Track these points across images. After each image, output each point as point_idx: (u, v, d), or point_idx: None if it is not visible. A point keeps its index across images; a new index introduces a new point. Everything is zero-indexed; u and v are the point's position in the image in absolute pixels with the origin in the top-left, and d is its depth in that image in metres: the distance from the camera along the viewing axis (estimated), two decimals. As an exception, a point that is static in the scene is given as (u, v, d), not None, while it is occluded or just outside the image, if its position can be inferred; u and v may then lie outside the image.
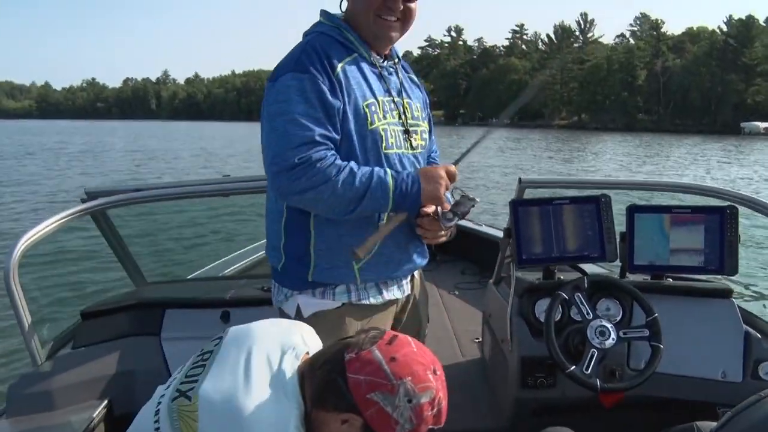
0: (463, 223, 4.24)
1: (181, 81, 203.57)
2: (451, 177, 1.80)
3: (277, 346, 1.33)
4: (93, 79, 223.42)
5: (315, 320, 1.81)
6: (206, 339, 2.28)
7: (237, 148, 37.34)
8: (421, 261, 2.00)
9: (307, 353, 1.36)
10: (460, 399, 2.70)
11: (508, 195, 2.72)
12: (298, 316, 1.86)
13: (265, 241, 1.97)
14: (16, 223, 10.92)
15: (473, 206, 1.89)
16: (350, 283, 1.84)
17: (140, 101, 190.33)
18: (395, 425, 1.18)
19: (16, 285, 2.07)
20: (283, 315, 1.93)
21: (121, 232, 2.82)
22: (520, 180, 2.54)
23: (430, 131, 2.06)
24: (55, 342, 2.41)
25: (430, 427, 1.21)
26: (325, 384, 1.23)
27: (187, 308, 2.44)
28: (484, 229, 4.61)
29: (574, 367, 2.07)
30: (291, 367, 1.29)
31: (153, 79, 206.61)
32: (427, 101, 2.09)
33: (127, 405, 2.25)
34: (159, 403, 1.29)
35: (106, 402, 2.19)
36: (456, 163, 1.86)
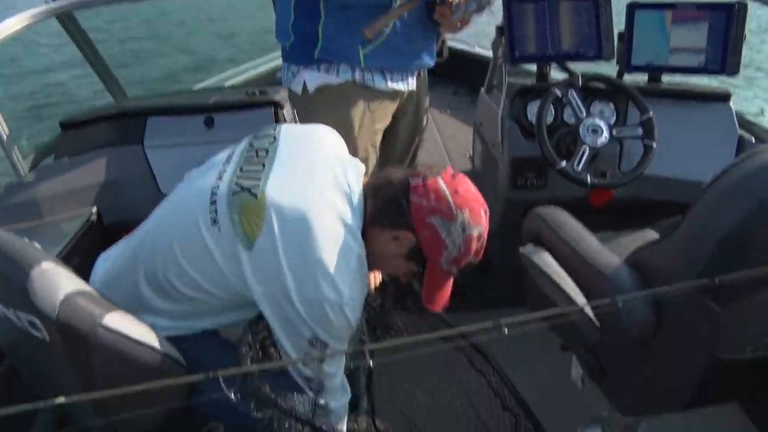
0: (455, 44, 4.08)
1: None
2: None
3: (336, 158, 1.34)
4: None
5: (319, 95, 1.91)
6: (190, 145, 2.28)
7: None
8: (428, 60, 2.02)
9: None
10: None
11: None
12: (304, 92, 1.93)
13: (255, 62, 1.94)
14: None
15: (486, 5, 1.85)
16: (355, 64, 1.87)
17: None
18: (443, 249, 1.27)
19: None
20: (291, 94, 2.01)
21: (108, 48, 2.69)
22: None
23: None
24: (36, 154, 2.36)
25: (469, 259, 1.31)
26: (389, 202, 1.28)
27: (169, 115, 2.36)
28: (477, 50, 4.43)
29: (565, 163, 2.05)
30: (357, 182, 1.31)
31: None
32: None
33: (116, 213, 2.25)
34: (213, 194, 1.26)
35: (95, 210, 2.18)
36: None
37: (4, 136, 2.10)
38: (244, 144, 1.39)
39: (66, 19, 2.42)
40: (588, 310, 1.45)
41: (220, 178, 1.29)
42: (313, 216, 1.20)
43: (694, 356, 1.25)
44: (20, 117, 5.86)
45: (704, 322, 1.19)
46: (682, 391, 1.33)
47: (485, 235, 1.31)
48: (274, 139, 1.36)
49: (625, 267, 1.29)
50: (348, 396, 1.39)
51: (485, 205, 1.32)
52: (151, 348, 1.17)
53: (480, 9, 1.86)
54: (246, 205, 1.21)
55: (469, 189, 1.30)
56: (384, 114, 2.00)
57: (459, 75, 4.66)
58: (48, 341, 1.15)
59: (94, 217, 2.16)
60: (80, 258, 1.99)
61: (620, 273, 1.28)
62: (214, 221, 1.23)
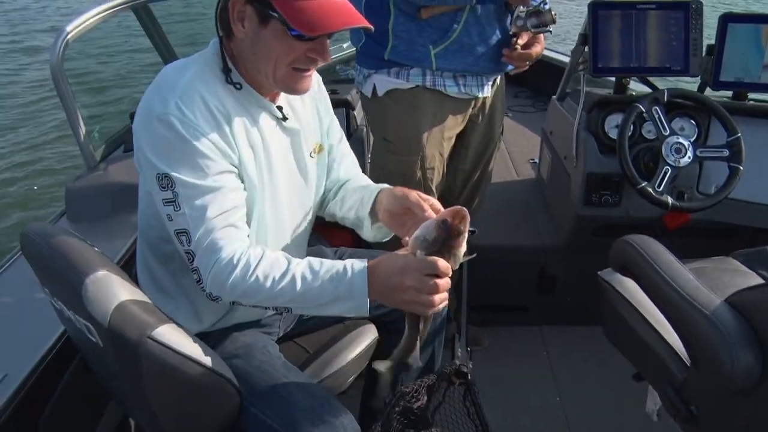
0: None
1: None
2: None
3: None
4: None
5: (389, 98, 1.89)
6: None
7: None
8: (507, 64, 1.93)
9: None
10: (516, 217, 2.66)
11: (569, 22, 2.48)
12: (374, 95, 1.91)
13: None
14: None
15: (550, 26, 1.81)
16: (426, 67, 1.83)
17: None
18: None
19: (63, 80, 1.98)
20: (363, 97, 2.01)
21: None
22: None
23: None
24: (106, 145, 2.37)
25: None
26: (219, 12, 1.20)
27: None
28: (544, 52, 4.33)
29: (645, 183, 1.97)
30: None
31: None
32: None
33: None
34: None
35: None
36: None
37: (78, 125, 2.09)
38: None
39: (141, 10, 2.43)
40: (679, 347, 1.38)
41: None
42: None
43: None
44: (89, 107, 6.00)
45: None
46: None
47: None
48: None
49: (727, 307, 1.22)
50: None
51: None
52: (199, 363, 1.15)
53: (541, 26, 1.81)
54: None
55: None
56: (455, 122, 1.95)
57: (519, 77, 4.56)
58: (101, 346, 1.15)
59: None
60: None
61: (722, 314, 1.20)
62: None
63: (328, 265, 1.15)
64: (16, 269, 1.79)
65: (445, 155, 1.99)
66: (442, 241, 1.07)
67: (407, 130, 1.89)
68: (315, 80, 1.42)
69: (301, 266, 1.15)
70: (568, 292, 2.48)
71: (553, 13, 1.80)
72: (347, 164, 1.53)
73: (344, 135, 1.55)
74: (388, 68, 1.86)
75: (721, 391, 1.26)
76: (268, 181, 1.28)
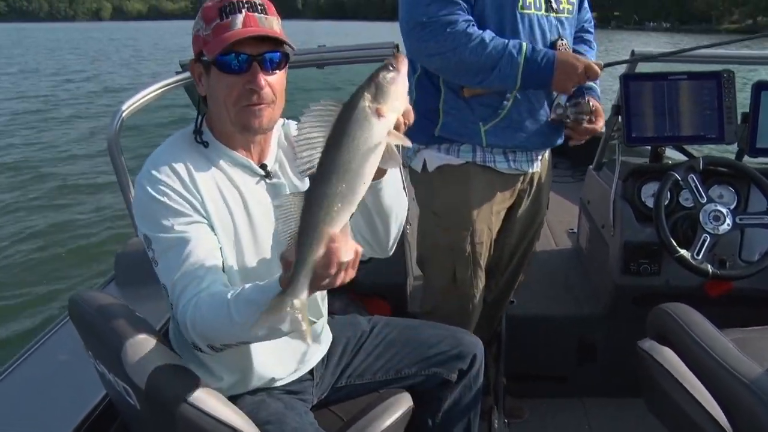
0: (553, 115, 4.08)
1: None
2: (591, 75, 1.75)
3: None
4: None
5: (440, 174, 1.89)
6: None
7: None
8: (554, 138, 1.95)
9: None
10: (555, 287, 2.63)
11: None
12: (424, 170, 1.93)
13: None
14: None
15: (584, 118, 1.85)
16: (476, 143, 1.84)
17: (285, 1, 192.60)
18: (199, 36, 1.26)
19: (118, 154, 2.10)
20: (411, 172, 2.01)
21: None
22: (632, 52, 2.31)
23: None
24: None
25: (219, 24, 1.22)
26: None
27: None
28: None
29: (684, 251, 1.95)
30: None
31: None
32: None
33: None
34: None
35: None
36: (605, 66, 1.81)
37: (130, 194, 2.20)
38: None
39: (192, 88, 2.57)
40: (722, 419, 1.34)
41: None
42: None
43: None
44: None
45: None
46: None
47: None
48: None
49: None
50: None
51: None
52: (233, 428, 1.17)
53: (579, 114, 1.86)
54: None
55: None
56: (504, 197, 1.94)
57: (558, 148, 4.58)
58: (139, 409, 1.18)
59: None
60: None
61: (765, 384, 1.17)
62: None
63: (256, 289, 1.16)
64: (64, 332, 1.86)
65: (494, 230, 1.98)
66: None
67: (457, 205, 1.88)
68: None
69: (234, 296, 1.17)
70: (608, 363, 2.42)
71: (590, 103, 1.84)
72: None
73: None
74: (439, 144, 1.87)
75: None
76: (249, 237, 1.33)
